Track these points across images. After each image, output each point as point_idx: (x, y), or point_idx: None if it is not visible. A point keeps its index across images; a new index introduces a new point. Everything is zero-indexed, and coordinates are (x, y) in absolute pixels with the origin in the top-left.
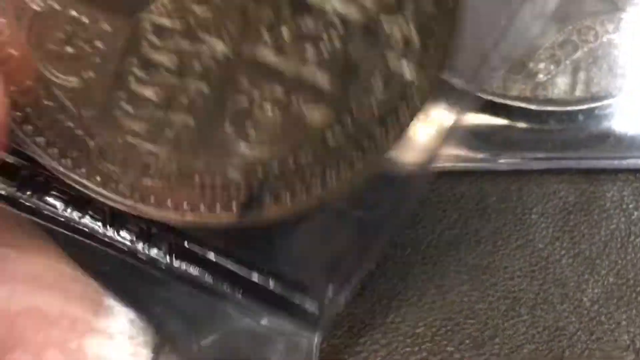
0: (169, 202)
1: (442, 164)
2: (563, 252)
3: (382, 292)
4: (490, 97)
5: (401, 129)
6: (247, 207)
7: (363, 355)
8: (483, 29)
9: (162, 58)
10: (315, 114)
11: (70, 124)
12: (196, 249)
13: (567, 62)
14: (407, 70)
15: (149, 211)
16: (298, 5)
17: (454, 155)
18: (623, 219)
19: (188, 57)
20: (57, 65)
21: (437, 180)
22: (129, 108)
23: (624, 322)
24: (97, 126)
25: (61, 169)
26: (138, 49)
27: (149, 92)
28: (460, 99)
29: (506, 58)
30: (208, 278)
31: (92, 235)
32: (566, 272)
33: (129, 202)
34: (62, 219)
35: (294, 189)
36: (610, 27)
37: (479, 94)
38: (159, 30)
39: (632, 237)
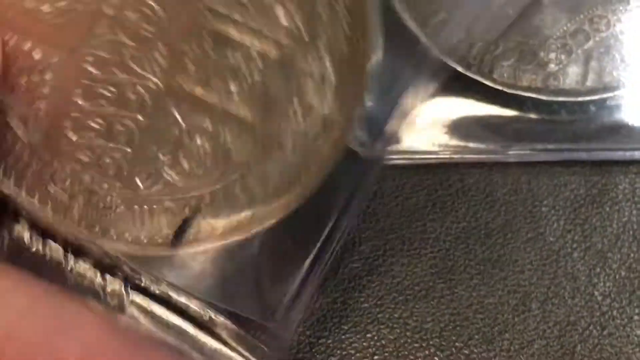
0: (112, 232)
1: (450, 155)
2: (574, 245)
3: (389, 287)
4: (500, 87)
5: (322, 161)
6: (179, 236)
7: (370, 350)
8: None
9: (102, 89)
10: (240, 146)
11: (25, 151)
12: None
13: (579, 51)
14: (325, 103)
15: (95, 240)
16: (220, 40)
17: (462, 147)
18: (635, 212)
19: (124, 89)
20: (11, 96)
21: (446, 172)
22: (73, 136)
23: (636, 317)
24: (46, 153)
25: (18, 195)
26: (80, 80)
27: (90, 122)
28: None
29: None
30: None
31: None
32: (578, 266)
33: (77, 230)
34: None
35: (226, 217)
36: (622, 15)
37: (490, 84)
38: (99, 62)
39: None
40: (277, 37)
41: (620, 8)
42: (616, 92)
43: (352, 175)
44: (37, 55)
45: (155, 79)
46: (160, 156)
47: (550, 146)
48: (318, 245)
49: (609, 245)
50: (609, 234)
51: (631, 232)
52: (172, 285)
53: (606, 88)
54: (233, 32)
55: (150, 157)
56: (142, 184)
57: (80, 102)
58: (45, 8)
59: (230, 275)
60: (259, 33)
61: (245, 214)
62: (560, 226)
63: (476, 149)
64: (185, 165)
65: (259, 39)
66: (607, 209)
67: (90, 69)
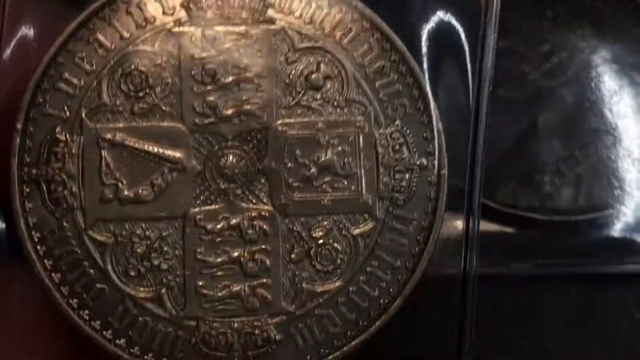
0: None
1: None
2: (573, 352)
3: None
4: (501, 208)
5: None
6: None
7: None
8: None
9: (220, 238)
10: None
11: (169, 326)
12: None
13: (571, 175)
14: None
15: None
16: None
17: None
18: (627, 322)
19: (241, 227)
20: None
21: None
22: (209, 292)
23: None
24: (191, 321)
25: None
26: (200, 238)
27: (219, 272)
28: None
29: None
30: None
31: None
32: None
33: None
34: None
35: None
36: (608, 142)
37: (492, 205)
38: (209, 215)
39: (636, 339)
40: None
41: (606, 136)
42: (605, 212)
43: None
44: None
45: (264, 206)
46: (294, 269)
47: (548, 261)
48: None
49: (604, 354)
50: (604, 343)
51: (625, 340)
52: None
53: (596, 208)
54: None
55: (287, 276)
56: (291, 306)
57: (207, 258)
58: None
59: None
60: None
61: None
62: (559, 335)
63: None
64: (319, 267)
65: None
66: (602, 318)
67: (206, 225)
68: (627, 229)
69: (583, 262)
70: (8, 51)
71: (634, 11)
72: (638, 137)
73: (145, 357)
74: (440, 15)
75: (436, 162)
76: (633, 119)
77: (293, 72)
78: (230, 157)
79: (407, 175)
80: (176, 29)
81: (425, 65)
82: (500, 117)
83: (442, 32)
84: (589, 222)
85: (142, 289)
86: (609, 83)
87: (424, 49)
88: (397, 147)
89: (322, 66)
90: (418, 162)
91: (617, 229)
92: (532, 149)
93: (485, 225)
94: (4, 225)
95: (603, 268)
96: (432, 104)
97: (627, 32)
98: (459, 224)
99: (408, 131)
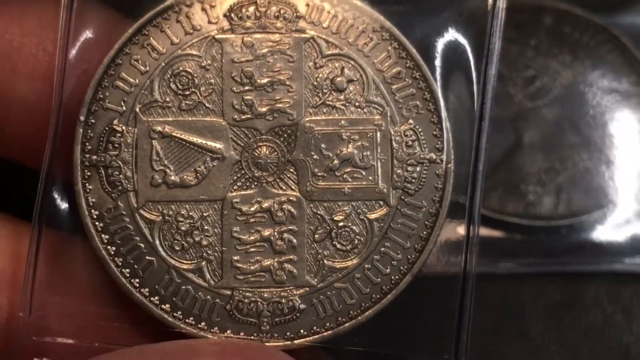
0: (302, 331)
1: (449, 268)
2: (551, 340)
3: None
4: (489, 214)
5: None
6: None
7: None
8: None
9: (253, 219)
10: None
11: (208, 294)
12: None
13: (552, 185)
14: None
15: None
16: None
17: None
18: (599, 313)
19: (272, 210)
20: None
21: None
22: (242, 265)
23: None
24: (226, 290)
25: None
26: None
27: (253, 248)
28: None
29: None
30: None
31: None
32: (555, 357)
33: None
34: None
35: None
36: (585, 155)
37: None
38: (245, 199)
39: (607, 328)
40: None
41: (583, 150)
42: (582, 218)
43: None
44: (192, 213)
45: (293, 192)
46: (317, 247)
47: (531, 261)
48: None
49: (579, 341)
50: (579, 331)
51: (596, 330)
52: None
53: (574, 214)
54: None
55: (311, 253)
56: (314, 280)
57: (241, 237)
58: None
59: None
60: None
61: None
62: (540, 325)
63: None
64: (339, 246)
65: None
66: (577, 311)
67: (242, 207)
68: (601, 232)
69: (562, 261)
70: (73, 52)
71: (607, 40)
72: (613, 150)
73: (187, 320)
74: (451, 28)
75: (444, 156)
76: (609, 135)
77: (320, 75)
78: (264, 149)
79: (418, 168)
80: (219, 36)
81: (436, 72)
82: (489, 134)
83: (452, 43)
84: (568, 226)
85: (185, 261)
86: (587, 104)
87: (436, 58)
88: (410, 143)
89: (346, 71)
90: (428, 157)
91: (592, 233)
92: (517, 162)
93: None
94: (67, 205)
95: (580, 267)
96: (442, 106)
97: (602, 59)
98: (460, 229)
99: (420, 129)
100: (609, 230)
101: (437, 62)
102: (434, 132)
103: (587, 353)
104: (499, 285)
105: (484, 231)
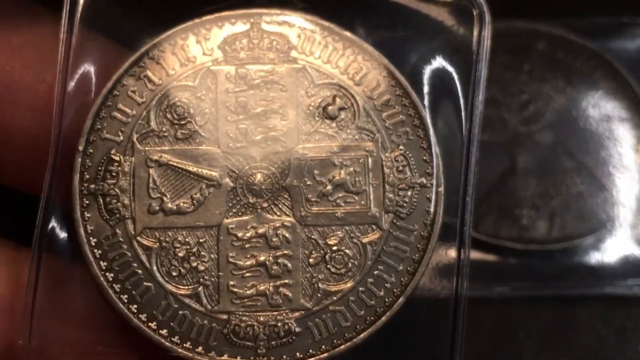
0: (299, 355)
1: (441, 291)
2: None
3: None
4: (484, 238)
5: None
6: None
7: None
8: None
9: (249, 245)
10: None
11: (205, 319)
12: None
13: (545, 209)
14: None
15: None
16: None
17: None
18: (593, 336)
19: (267, 236)
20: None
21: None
22: (239, 290)
23: None
24: (222, 314)
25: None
26: (232, 244)
27: (249, 273)
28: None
29: None
30: None
31: None
32: None
33: None
34: None
35: None
36: (578, 180)
37: (476, 235)
38: (240, 225)
39: (601, 351)
40: None
41: (576, 174)
42: (575, 242)
43: None
44: (189, 239)
45: (287, 218)
46: (312, 271)
47: (525, 284)
48: None
49: None
50: (573, 355)
51: (591, 353)
52: None
53: (567, 238)
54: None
55: (306, 277)
56: (309, 303)
57: (237, 262)
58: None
59: None
60: None
61: None
62: (534, 348)
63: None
64: (334, 270)
65: None
66: (571, 335)
67: (237, 233)
68: (595, 256)
69: (556, 285)
70: (72, 84)
71: (600, 65)
72: (606, 175)
73: (184, 345)
74: (439, 56)
75: (434, 181)
76: (602, 160)
77: (312, 104)
78: (258, 176)
79: (409, 192)
80: (214, 67)
81: (425, 99)
82: (482, 159)
83: (440, 71)
84: (561, 250)
85: (182, 287)
86: (580, 129)
87: (425, 85)
88: (401, 168)
89: (337, 99)
90: (419, 181)
91: (586, 257)
92: (511, 187)
93: (470, 253)
94: (67, 232)
95: (573, 291)
96: (431, 132)
97: (595, 84)
98: (452, 252)
99: (410, 155)
100: (602, 254)
101: (426, 90)
102: (424, 157)
103: None
104: (493, 309)
105: (478, 255)
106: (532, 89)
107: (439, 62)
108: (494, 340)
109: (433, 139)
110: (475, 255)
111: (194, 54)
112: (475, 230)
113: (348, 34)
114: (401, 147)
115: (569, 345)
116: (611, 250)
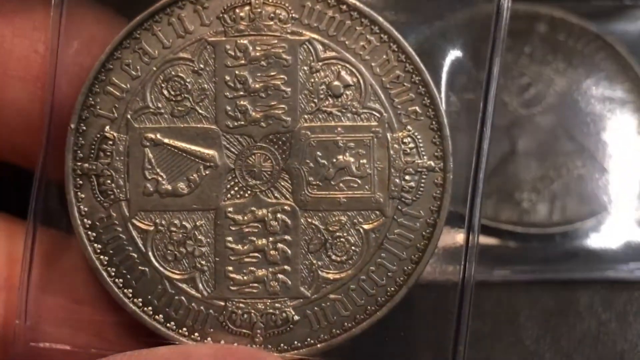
0: (297, 343)
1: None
2: (546, 347)
3: None
4: (484, 221)
5: None
6: None
7: None
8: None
9: (247, 229)
10: None
11: (201, 305)
12: None
13: (546, 192)
14: None
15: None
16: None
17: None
18: (594, 321)
19: (265, 220)
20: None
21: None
22: (237, 276)
23: None
24: (219, 301)
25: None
26: (230, 228)
27: (247, 258)
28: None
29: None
30: None
31: None
32: None
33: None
34: None
35: None
36: (579, 163)
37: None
38: (238, 208)
39: (601, 335)
40: None
41: (577, 157)
42: (576, 225)
43: None
44: (185, 222)
45: (287, 202)
46: (311, 258)
47: (525, 268)
48: None
49: (574, 348)
50: (574, 339)
51: (591, 337)
52: None
53: (568, 221)
54: None
55: (305, 264)
56: (308, 291)
57: (235, 247)
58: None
59: None
60: None
61: None
62: (535, 332)
63: None
64: (334, 257)
65: None
66: (571, 318)
67: (235, 217)
68: (596, 240)
69: (556, 269)
70: (65, 55)
71: (601, 47)
72: (607, 158)
73: (180, 331)
74: (452, 33)
75: (443, 165)
76: (603, 142)
77: (316, 80)
78: (258, 157)
79: (415, 177)
80: (212, 39)
81: (436, 77)
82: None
83: (453, 48)
84: (562, 234)
85: (178, 271)
86: (581, 111)
87: (436, 63)
88: (408, 150)
89: (343, 75)
90: (426, 165)
91: (586, 240)
92: (512, 170)
93: None
94: (62, 207)
95: (574, 274)
96: (442, 112)
97: (596, 66)
98: (458, 237)
99: (419, 136)
100: (603, 238)
101: (437, 67)
102: (433, 139)
103: None
104: (494, 292)
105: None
106: (532, 72)
107: (451, 38)
108: (494, 324)
109: (444, 119)
110: None
111: (191, 24)
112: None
113: (357, 3)
114: (409, 127)
115: (570, 330)
116: (613, 234)
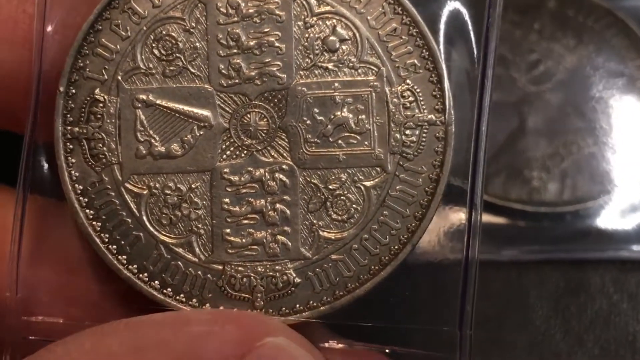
0: (298, 306)
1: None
2: (556, 328)
3: None
4: (493, 200)
5: None
6: None
7: None
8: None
9: (245, 189)
10: None
11: (198, 270)
12: None
13: (556, 170)
14: None
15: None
16: None
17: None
18: (605, 301)
19: (263, 181)
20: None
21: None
22: (235, 239)
23: None
24: (217, 265)
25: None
26: (225, 189)
27: (245, 220)
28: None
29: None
30: None
31: None
32: (560, 345)
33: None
34: None
35: None
36: (590, 141)
37: (485, 197)
38: (234, 169)
39: (613, 316)
40: None
41: (588, 135)
42: (587, 204)
43: None
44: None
45: (285, 161)
46: (312, 218)
47: (535, 248)
48: None
49: (585, 329)
50: (584, 319)
51: (602, 318)
52: None
53: (579, 200)
54: None
55: (305, 224)
56: (309, 252)
57: (232, 208)
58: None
59: None
60: None
61: None
62: (545, 313)
63: None
64: (335, 216)
65: None
66: (582, 299)
67: (231, 178)
68: (607, 219)
69: (567, 249)
70: (53, 21)
71: (612, 23)
72: (618, 135)
73: (177, 297)
74: None
75: (444, 118)
76: (614, 120)
77: (311, 35)
78: (253, 115)
79: (416, 131)
80: None
81: (435, 28)
82: (491, 119)
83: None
84: (573, 213)
85: (173, 235)
86: (591, 88)
87: (435, 12)
88: (408, 104)
89: (338, 29)
90: (427, 119)
91: (597, 220)
92: (521, 147)
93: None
94: (52, 174)
95: (585, 254)
96: (442, 64)
97: (607, 42)
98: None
99: (418, 90)
100: (614, 217)
101: (436, 17)
102: (433, 92)
103: (593, 341)
104: (503, 272)
105: (487, 217)
106: (542, 48)
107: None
108: (503, 305)
109: (443, 71)
110: (484, 217)
111: None
112: (484, 191)
113: None
114: (408, 81)
115: (581, 310)
116: (624, 213)
